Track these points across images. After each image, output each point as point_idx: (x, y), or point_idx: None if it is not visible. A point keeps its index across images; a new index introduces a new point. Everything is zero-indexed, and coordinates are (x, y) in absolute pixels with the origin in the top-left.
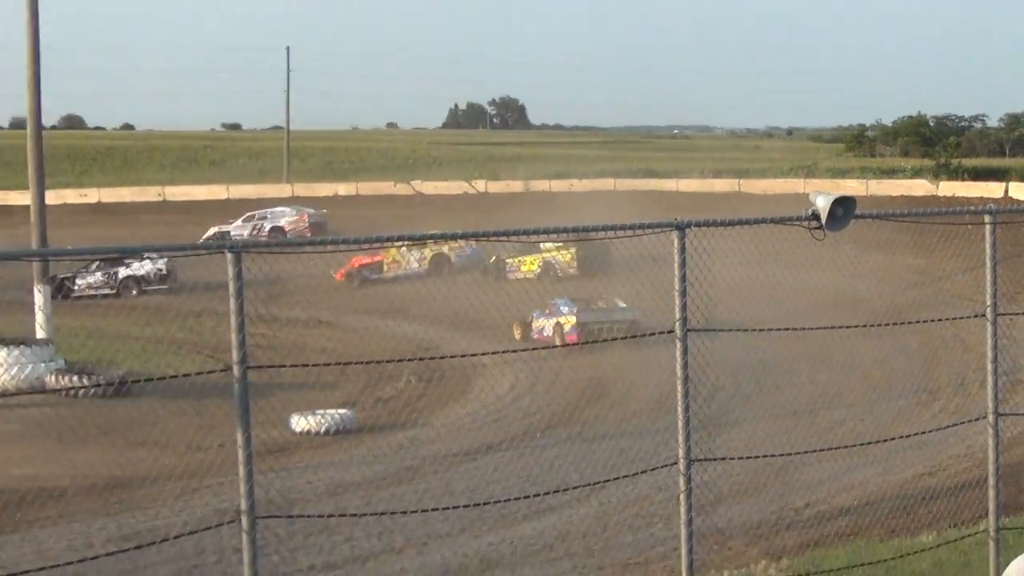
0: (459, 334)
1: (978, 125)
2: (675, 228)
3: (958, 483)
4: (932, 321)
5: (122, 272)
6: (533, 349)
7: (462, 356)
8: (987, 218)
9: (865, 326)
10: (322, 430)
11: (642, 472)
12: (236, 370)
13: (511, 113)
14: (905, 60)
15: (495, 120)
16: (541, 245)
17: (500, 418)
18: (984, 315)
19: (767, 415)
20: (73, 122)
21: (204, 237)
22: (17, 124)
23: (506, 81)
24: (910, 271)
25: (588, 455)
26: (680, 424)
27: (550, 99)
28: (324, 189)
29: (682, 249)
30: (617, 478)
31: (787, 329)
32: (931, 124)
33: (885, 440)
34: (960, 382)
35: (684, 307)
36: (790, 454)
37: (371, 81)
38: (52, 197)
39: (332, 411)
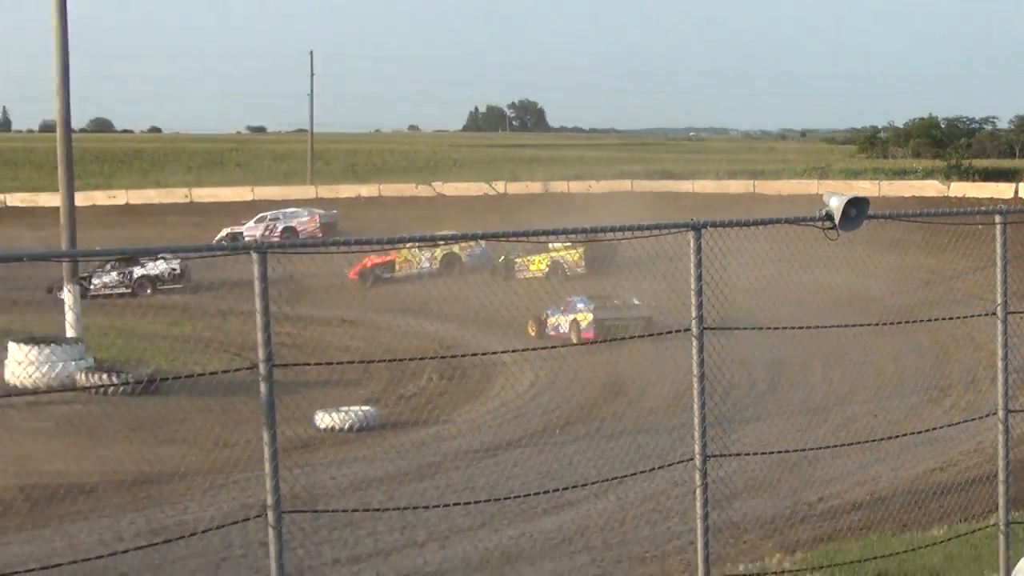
0: (479, 332)
1: (988, 127)
2: (691, 228)
3: (969, 478)
4: (943, 319)
5: (137, 272)
6: (553, 347)
7: (483, 354)
8: (998, 218)
9: (877, 324)
10: (346, 427)
11: (659, 468)
12: (262, 368)
13: (530, 116)
14: (917, 64)
15: (514, 123)
16: (550, 244)
17: (520, 415)
18: (995, 313)
19: (781, 412)
20: (102, 125)
21: (217, 238)
22: (47, 127)
23: (525, 85)
24: (922, 270)
25: (606, 451)
26: (696, 421)
27: (568, 102)
28: (347, 190)
29: (698, 249)
30: (634, 474)
31: (801, 328)
32: (942, 126)
33: (897, 436)
34: (971, 379)
35: (700, 306)
36: (804, 450)
37: (393, 85)
38: (81, 199)
39: (356, 408)
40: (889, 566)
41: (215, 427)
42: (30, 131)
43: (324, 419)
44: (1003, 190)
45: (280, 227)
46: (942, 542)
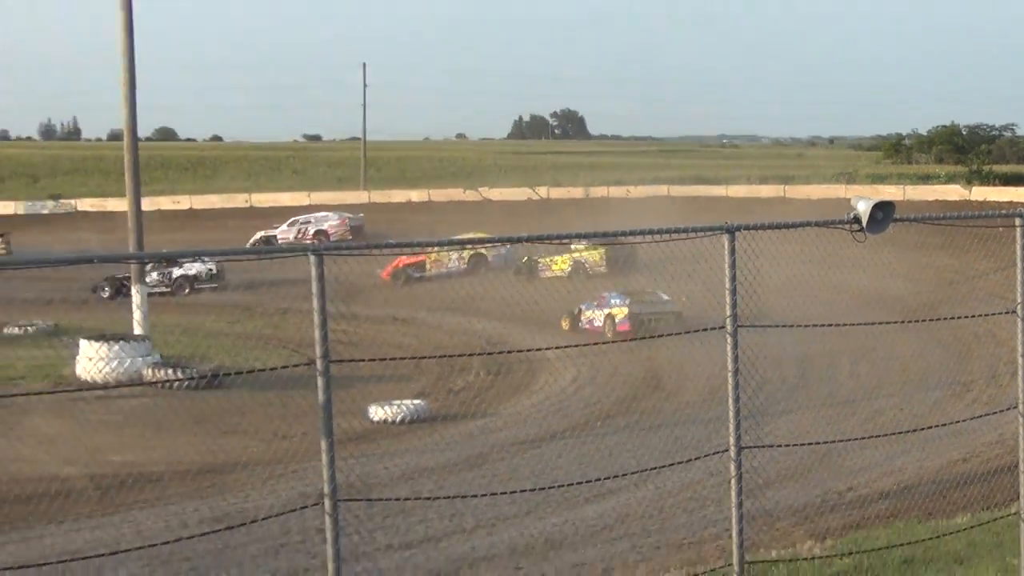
0: (524, 329)
1: (1008, 134)
2: (725, 231)
3: (990, 468)
4: (966, 317)
5: (176, 272)
6: (595, 344)
7: (528, 351)
8: (1018, 221)
9: (903, 322)
10: (398, 419)
11: (695, 459)
12: (319, 364)
13: (572, 124)
14: (939, 74)
15: (557, 131)
16: (572, 245)
17: (563, 408)
18: (1015, 311)
19: (811, 405)
20: (166, 134)
21: (251, 241)
22: (115, 136)
23: (567, 95)
24: (945, 271)
25: (645, 442)
26: (731, 414)
27: (608, 111)
28: (398, 196)
29: (732, 250)
30: (672, 464)
31: (830, 325)
32: (964, 133)
33: (922, 429)
34: (992, 374)
35: (734, 304)
36: (833, 442)
37: (442, 95)
38: (147, 204)
39: (407, 402)
40: (915, 552)
41: (274, 420)
42: (99, 140)
43: (377, 412)
44: (1023, 194)
45: (311, 230)
46: (965, 529)
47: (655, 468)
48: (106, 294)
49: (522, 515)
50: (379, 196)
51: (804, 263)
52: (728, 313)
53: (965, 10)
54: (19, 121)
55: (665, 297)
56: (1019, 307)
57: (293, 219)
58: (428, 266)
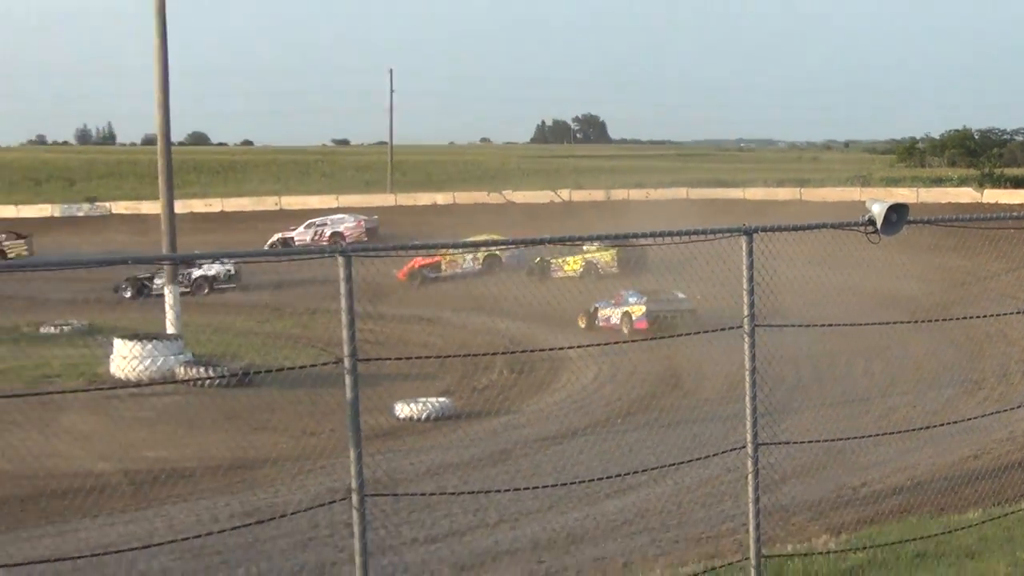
0: (546, 328)
1: (1020, 138)
2: (743, 233)
3: (1002, 465)
4: (977, 317)
5: (196, 273)
6: (615, 343)
7: (550, 349)
8: None
9: (915, 322)
10: (423, 417)
11: (713, 455)
12: (347, 362)
13: (593, 129)
14: (952, 78)
15: (578, 135)
16: (584, 246)
17: (584, 406)
18: None
19: (826, 403)
20: (198, 139)
21: (268, 243)
22: (148, 141)
23: (589, 100)
24: (957, 272)
25: (664, 439)
26: (748, 411)
27: (629, 116)
28: (424, 198)
29: (750, 252)
30: (690, 460)
31: (845, 325)
32: (976, 137)
33: (934, 426)
34: (1003, 373)
35: (752, 304)
36: (848, 438)
37: (467, 101)
38: (180, 207)
39: (432, 399)
40: (927, 547)
41: (303, 417)
42: (133, 144)
43: (403, 409)
44: None
45: (328, 232)
46: (977, 524)
47: (674, 464)
48: (128, 294)
49: (544, 510)
50: (405, 199)
51: (820, 264)
52: (746, 313)
53: (977, 16)
54: (56, 126)
55: (681, 295)
56: None
57: (310, 221)
58: (443, 267)
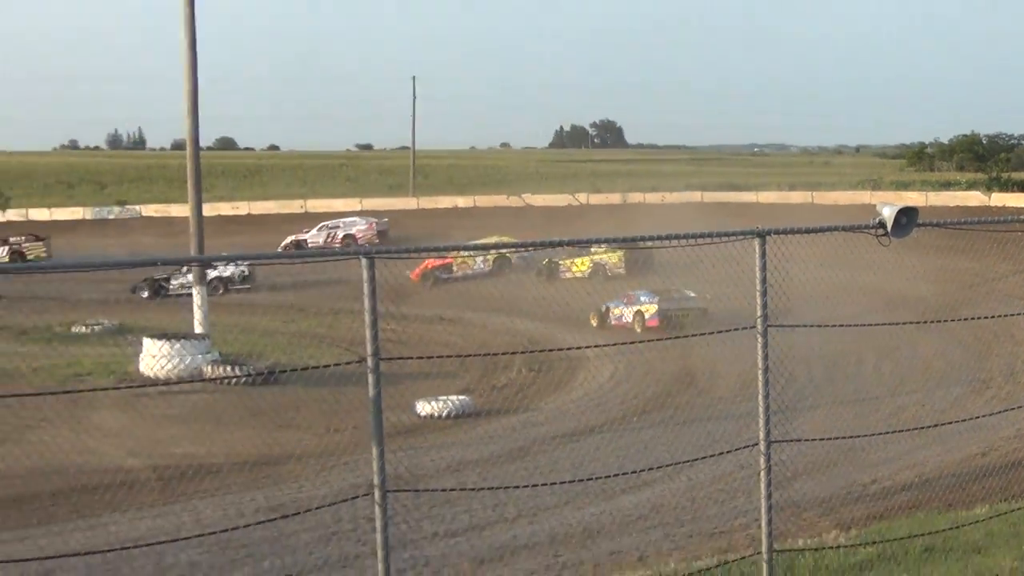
0: (563, 328)
1: None
2: (756, 235)
3: (1009, 462)
4: (985, 318)
5: (211, 274)
6: (632, 343)
7: (568, 349)
8: None
9: (925, 323)
10: (444, 414)
11: (726, 452)
12: (369, 361)
13: (610, 134)
14: (961, 84)
15: (596, 140)
16: (592, 248)
17: (600, 404)
18: None
19: (837, 402)
20: (226, 143)
21: (282, 245)
22: (178, 146)
23: (606, 105)
24: (966, 273)
25: (678, 436)
26: (760, 409)
27: (645, 121)
28: (445, 202)
29: (763, 254)
30: (704, 457)
31: (856, 325)
32: (984, 142)
33: (943, 424)
34: (1010, 372)
35: (765, 305)
36: (858, 436)
37: (487, 107)
38: (208, 210)
39: (453, 397)
40: (935, 542)
41: (327, 414)
42: (163, 149)
43: (424, 407)
44: None
45: (340, 234)
46: (984, 520)
47: (688, 461)
48: (145, 294)
49: (561, 505)
50: (427, 202)
51: (831, 266)
52: (759, 313)
53: (987, 23)
54: (88, 132)
55: (691, 294)
56: None
57: (322, 224)
58: (455, 268)
